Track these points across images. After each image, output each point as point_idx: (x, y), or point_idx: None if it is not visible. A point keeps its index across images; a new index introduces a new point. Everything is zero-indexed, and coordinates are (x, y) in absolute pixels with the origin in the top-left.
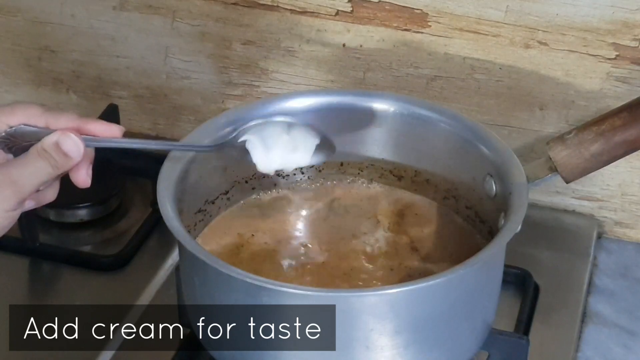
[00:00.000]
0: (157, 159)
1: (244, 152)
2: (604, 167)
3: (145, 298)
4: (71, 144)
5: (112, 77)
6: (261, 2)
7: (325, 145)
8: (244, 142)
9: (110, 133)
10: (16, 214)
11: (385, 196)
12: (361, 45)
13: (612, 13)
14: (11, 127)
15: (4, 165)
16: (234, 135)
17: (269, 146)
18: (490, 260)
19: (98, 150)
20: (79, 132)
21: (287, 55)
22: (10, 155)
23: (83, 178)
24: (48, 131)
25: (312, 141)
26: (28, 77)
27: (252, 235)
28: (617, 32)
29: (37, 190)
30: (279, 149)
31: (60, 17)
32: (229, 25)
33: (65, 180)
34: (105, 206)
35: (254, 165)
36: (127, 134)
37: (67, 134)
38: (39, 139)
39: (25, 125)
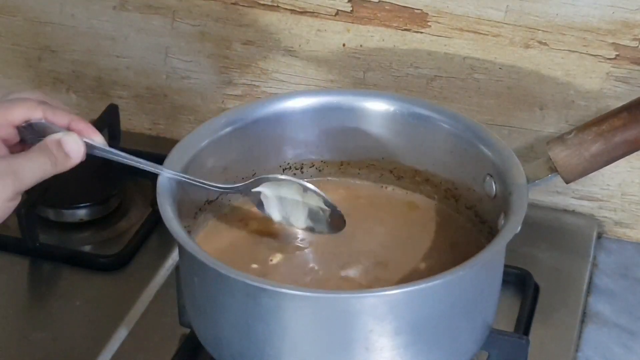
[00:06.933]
0: (157, 159)
1: (257, 199)
2: (604, 167)
3: (145, 298)
4: (73, 145)
5: (112, 77)
6: (261, 2)
7: (335, 216)
8: (259, 192)
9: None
10: (13, 205)
11: (385, 196)
12: (361, 45)
13: (612, 13)
14: (27, 122)
15: (8, 157)
16: (250, 181)
17: (283, 204)
18: (490, 260)
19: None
20: (69, 129)
21: (287, 55)
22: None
23: None
24: (60, 129)
25: (324, 210)
26: (28, 77)
27: (251, 233)
28: (617, 32)
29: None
30: (292, 208)
31: (60, 17)
32: (229, 25)
33: (65, 181)
34: (105, 206)
35: (268, 215)
36: (128, 137)
37: (71, 134)
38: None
39: (41, 121)
